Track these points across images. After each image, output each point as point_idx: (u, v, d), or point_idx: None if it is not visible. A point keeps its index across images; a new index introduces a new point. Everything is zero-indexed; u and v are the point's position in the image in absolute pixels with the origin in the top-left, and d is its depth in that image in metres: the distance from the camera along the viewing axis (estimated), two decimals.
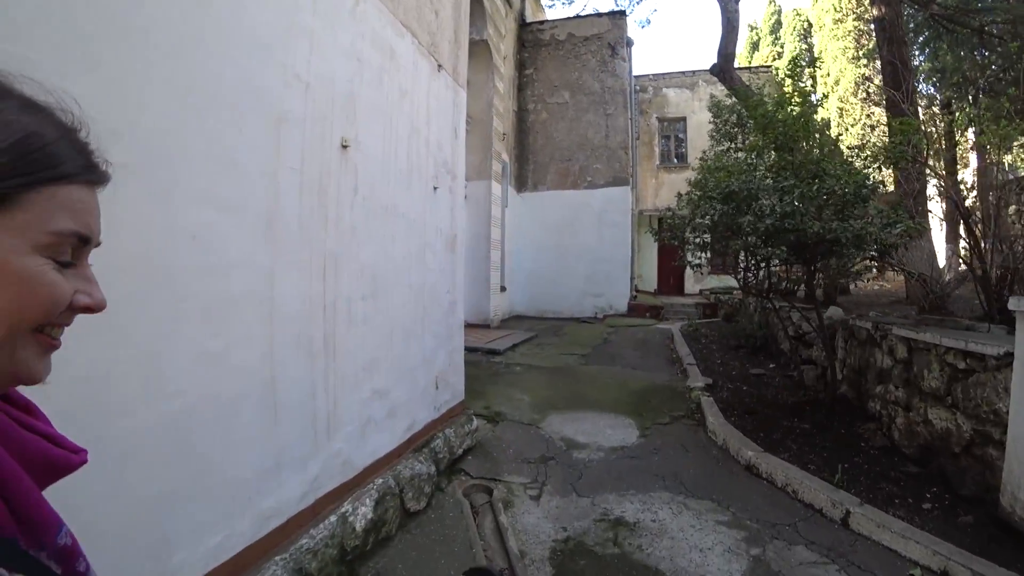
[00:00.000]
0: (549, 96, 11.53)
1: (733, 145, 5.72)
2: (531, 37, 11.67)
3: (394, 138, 2.92)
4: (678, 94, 15.67)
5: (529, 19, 12.04)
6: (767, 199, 3.65)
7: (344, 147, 2.49)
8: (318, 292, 2.36)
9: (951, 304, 4.90)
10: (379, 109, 2.77)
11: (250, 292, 2.00)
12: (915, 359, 3.38)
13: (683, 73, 15.74)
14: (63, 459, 0.47)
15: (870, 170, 4.02)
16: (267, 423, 2.09)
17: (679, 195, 4.61)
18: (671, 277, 15.33)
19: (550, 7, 14.52)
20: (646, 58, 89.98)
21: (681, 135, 15.72)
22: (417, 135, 3.17)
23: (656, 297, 13.68)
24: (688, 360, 6.80)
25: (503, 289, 10.74)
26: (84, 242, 0.43)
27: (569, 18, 12.01)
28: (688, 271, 8.75)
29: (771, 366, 6.42)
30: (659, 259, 15.44)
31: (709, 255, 4.99)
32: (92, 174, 0.44)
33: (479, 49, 9.17)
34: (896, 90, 5.92)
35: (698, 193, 4.43)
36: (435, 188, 3.40)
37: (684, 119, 15.64)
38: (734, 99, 6.41)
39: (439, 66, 3.46)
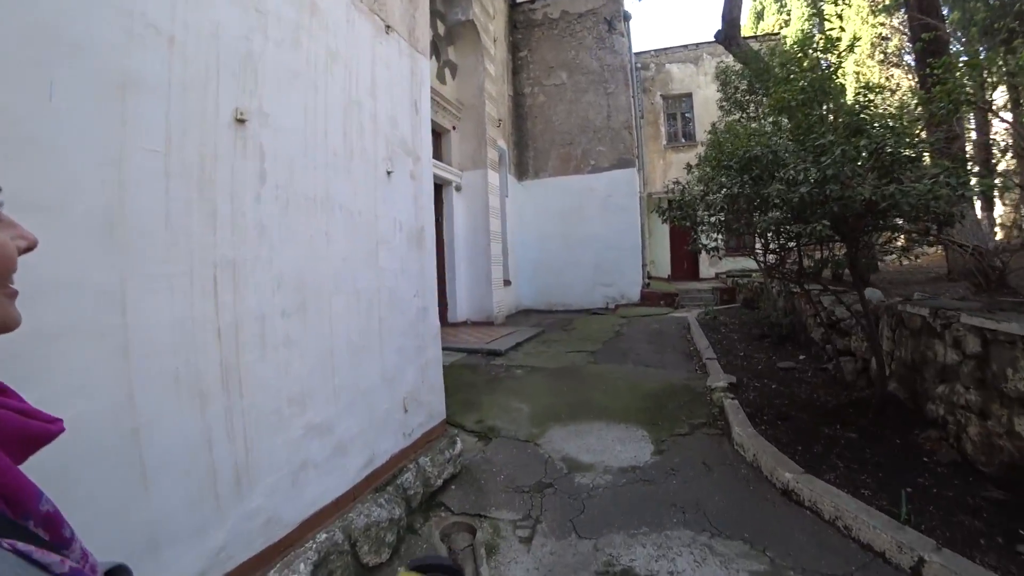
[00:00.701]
0: (546, 78, 10.79)
1: (745, 115, 4.95)
2: (523, 17, 10.92)
3: (323, 112, 2.30)
4: (682, 69, 14.72)
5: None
6: (799, 164, 2.95)
7: (240, 121, 1.88)
8: (206, 312, 1.76)
9: (1012, 280, 4.12)
10: (297, 75, 2.16)
11: (85, 321, 1.42)
12: (993, 354, 2.66)
13: (686, 47, 14.78)
14: (40, 430, 0.49)
15: (917, 126, 3.26)
16: (130, 491, 1.52)
17: (688, 167, 3.90)
18: (685, 261, 14.47)
19: None
20: (646, 34, 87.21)
21: (688, 112, 14.80)
22: (358, 108, 2.56)
23: (670, 283, 12.87)
24: (707, 354, 6.09)
25: (507, 283, 10.11)
26: None
27: None
28: (703, 254, 8.05)
29: (801, 358, 5.67)
30: (671, 243, 14.59)
31: (724, 236, 4.27)
32: None
33: (466, 30, 8.51)
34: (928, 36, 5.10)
35: (710, 166, 3.72)
36: (389, 173, 2.79)
37: (690, 95, 14.70)
38: (743, 67, 5.63)
39: (387, 27, 2.83)
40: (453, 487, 3.19)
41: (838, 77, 3.27)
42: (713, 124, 4.68)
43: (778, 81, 3.47)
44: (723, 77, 5.44)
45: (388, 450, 2.76)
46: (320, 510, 2.25)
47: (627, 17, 10.76)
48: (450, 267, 8.70)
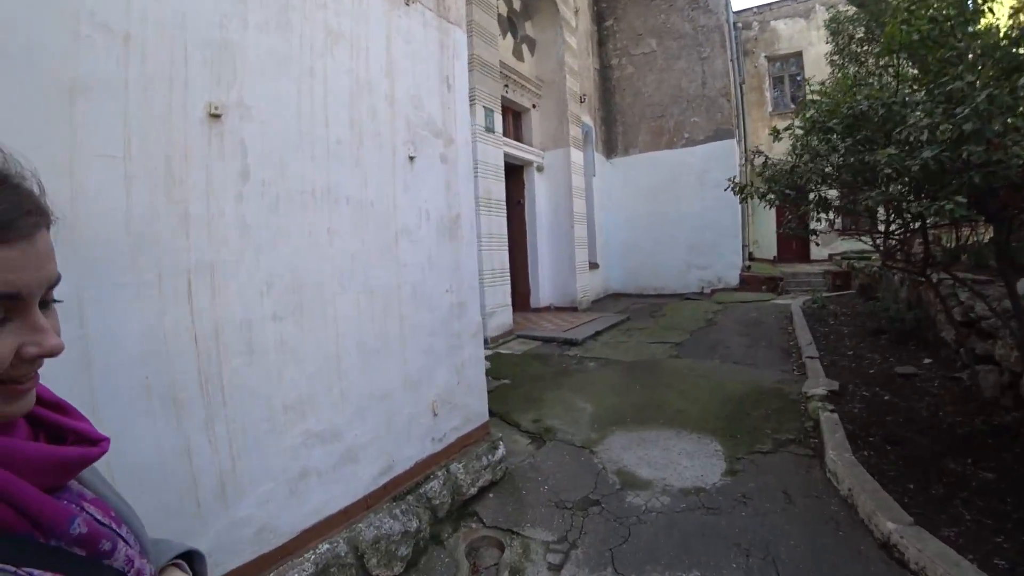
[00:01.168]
0: (634, 47, 9.92)
1: (862, 69, 3.99)
2: None
3: (322, 98, 2.12)
4: (790, 25, 12.68)
5: None
6: (922, 119, 2.22)
7: (214, 116, 1.74)
8: (179, 319, 1.67)
9: None
10: (286, 60, 1.98)
11: None
12: None
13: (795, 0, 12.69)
14: (77, 456, 0.53)
15: None
16: None
17: (774, 132, 3.20)
18: (793, 241, 12.71)
19: None
20: None
21: (798, 75, 12.72)
22: (369, 90, 2.34)
23: (775, 265, 11.37)
24: (808, 351, 5.20)
25: (594, 267, 9.63)
26: (8, 298, 0.44)
27: None
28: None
29: (926, 362, 4.58)
30: (778, 221, 12.91)
31: (832, 215, 3.48)
32: (5, 232, 0.43)
33: (543, 3, 8.04)
34: None
35: (803, 129, 3.01)
36: (411, 158, 2.56)
37: (799, 54, 12.62)
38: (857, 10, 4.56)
39: None
40: (491, 495, 2.96)
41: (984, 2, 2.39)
42: (821, 83, 3.77)
43: (897, 11, 2.64)
44: (834, 26, 4.43)
45: (412, 457, 2.58)
46: (325, 519, 2.13)
47: None
48: (532, 251, 8.45)
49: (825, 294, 8.29)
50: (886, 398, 3.87)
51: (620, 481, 3.07)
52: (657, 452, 3.39)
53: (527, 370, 5.30)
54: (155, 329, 1.61)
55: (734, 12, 11.22)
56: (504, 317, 6.54)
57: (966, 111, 2.03)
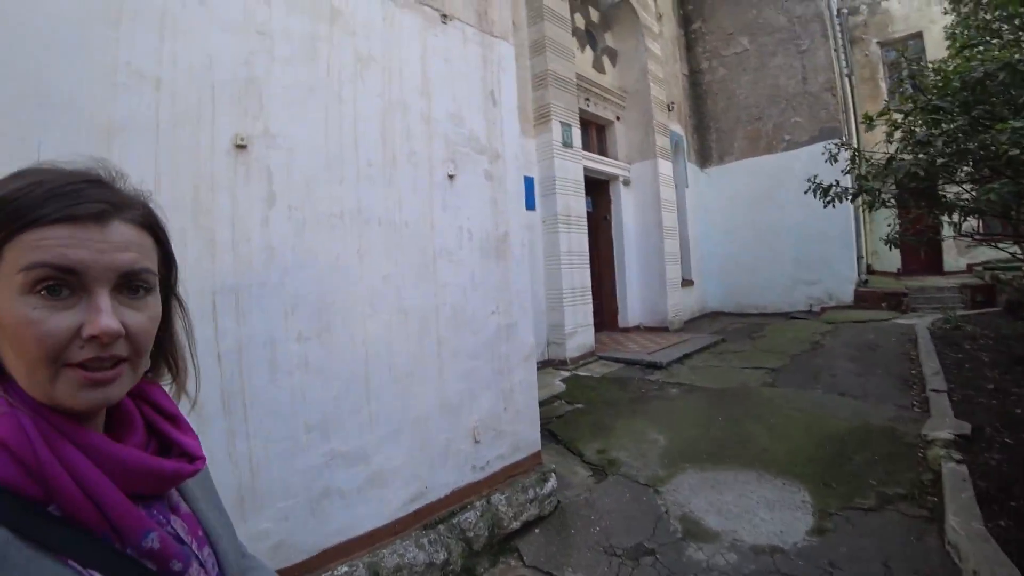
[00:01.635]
0: (724, 48, 9.22)
1: (997, 42, 3.29)
2: None
3: (351, 122, 2.15)
4: (905, 3, 10.82)
5: None
6: None
7: (240, 147, 1.82)
8: (203, 338, 1.72)
9: None
10: (313, 89, 2.03)
11: None
12: None
13: None
14: (171, 470, 0.54)
15: None
16: None
17: (866, 119, 2.71)
18: (922, 250, 10.86)
19: None
20: None
21: (918, 59, 10.88)
22: (403, 111, 2.34)
23: (899, 279, 9.71)
24: (934, 383, 4.32)
25: (688, 283, 9.00)
26: (65, 271, 0.45)
27: None
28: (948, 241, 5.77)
29: None
30: (901, 228, 11.08)
31: (960, 217, 2.87)
32: (66, 211, 0.46)
33: (622, 12, 7.78)
34: None
35: (903, 107, 2.51)
36: (451, 176, 2.51)
37: (919, 35, 10.64)
38: None
39: (443, 16, 2.55)
40: (537, 531, 2.76)
41: None
42: (943, 63, 3.09)
43: None
44: None
45: (448, 484, 2.48)
46: (348, 541, 2.10)
47: None
48: (620, 267, 8.10)
49: (961, 312, 6.93)
50: None
51: (683, 529, 2.70)
52: (731, 498, 2.96)
53: (603, 395, 5.00)
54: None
55: None
56: (585, 338, 6.28)
57: None
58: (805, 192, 3.08)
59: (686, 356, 6.23)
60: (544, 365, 6.05)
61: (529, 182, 5.98)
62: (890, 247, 3.12)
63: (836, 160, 2.88)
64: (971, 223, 2.88)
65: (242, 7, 1.86)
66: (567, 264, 5.99)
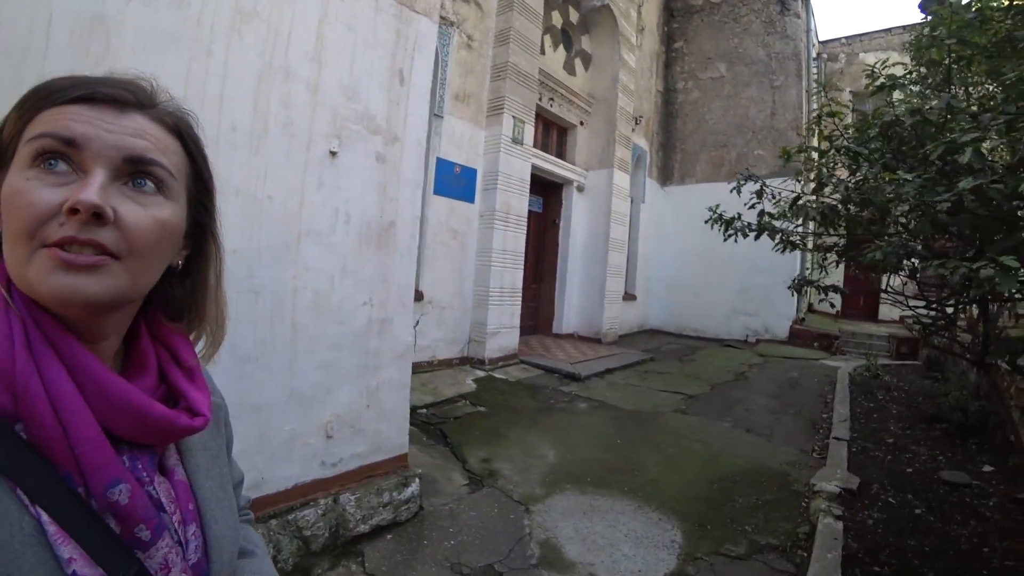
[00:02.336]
0: (701, 71, 9.42)
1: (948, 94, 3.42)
2: (680, 4, 9.70)
3: (219, 81, 2.03)
4: (882, 59, 11.41)
5: None
6: (967, 132, 1.74)
7: None
8: None
9: None
10: (177, 38, 1.91)
11: None
12: None
13: (888, 31, 11.34)
14: (159, 416, 0.47)
15: None
16: None
17: (785, 155, 2.81)
18: (863, 296, 11.37)
19: None
20: (836, 19, 72.44)
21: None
22: (285, 76, 2.23)
23: (836, 321, 10.17)
24: (839, 431, 4.50)
25: (630, 298, 9.16)
26: (64, 142, 0.43)
27: None
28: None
29: (986, 471, 3.76)
30: (846, 271, 11.60)
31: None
32: (84, 91, 0.45)
33: (602, 17, 7.82)
34: None
35: (818, 151, 2.60)
36: (332, 153, 2.42)
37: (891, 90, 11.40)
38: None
39: None
40: (389, 537, 2.71)
41: None
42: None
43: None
44: (913, 50, 3.84)
45: (290, 477, 2.40)
46: None
47: None
48: (561, 274, 8.16)
49: (884, 361, 7.28)
50: (918, 511, 3.13)
51: (540, 555, 2.69)
52: (601, 527, 2.97)
53: (510, 401, 5.01)
54: None
55: (820, 41, 10.38)
56: (508, 339, 6.28)
57: None
58: (705, 221, 3.14)
59: (608, 371, 6.32)
60: (462, 362, 6.03)
61: (470, 174, 5.93)
62: (792, 294, 3.21)
63: (739, 192, 2.94)
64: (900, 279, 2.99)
65: None
66: (499, 262, 5.97)
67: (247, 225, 2.15)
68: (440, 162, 5.66)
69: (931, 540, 2.81)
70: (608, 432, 4.42)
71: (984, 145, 1.73)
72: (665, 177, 9.88)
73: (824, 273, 3.09)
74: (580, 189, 8.16)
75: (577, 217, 8.13)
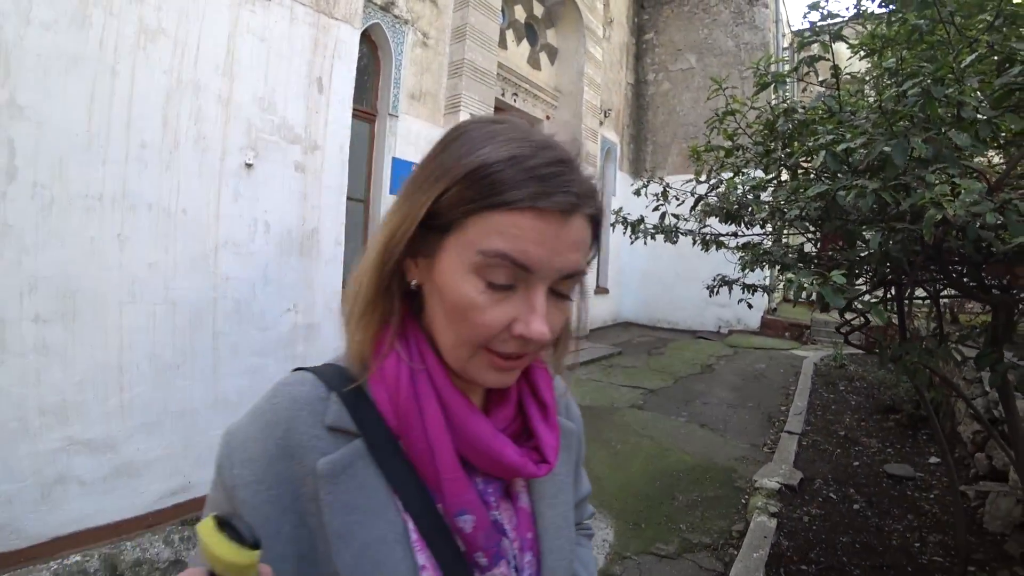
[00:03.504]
0: (672, 63, 9.59)
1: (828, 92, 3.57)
2: None
3: (126, 99, 2.20)
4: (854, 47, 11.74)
5: None
6: (825, 134, 1.86)
7: None
8: None
9: None
10: (78, 60, 2.08)
11: None
12: None
13: (864, 15, 11.62)
14: (510, 460, 0.51)
15: None
16: None
17: (695, 154, 2.97)
18: None
19: None
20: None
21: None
22: (195, 91, 2.41)
23: (812, 310, 10.48)
24: (792, 425, 4.71)
25: (602, 291, 9.36)
26: (520, 267, 0.46)
27: None
28: None
29: (932, 462, 3.95)
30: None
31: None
32: (539, 201, 0.45)
33: (567, 10, 7.97)
34: None
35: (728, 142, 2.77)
36: (248, 165, 2.59)
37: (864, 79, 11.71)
38: None
39: None
40: None
41: None
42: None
43: None
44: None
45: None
46: (86, 531, 2.18)
47: None
48: None
49: (852, 350, 7.49)
50: (856, 506, 3.28)
51: None
52: None
53: None
54: None
55: (792, 31, 10.54)
56: None
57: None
58: (611, 224, 3.29)
59: (574, 366, 6.51)
60: None
61: None
62: (711, 294, 3.34)
63: (641, 194, 3.10)
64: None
65: None
66: None
67: (161, 239, 2.33)
68: (396, 161, 5.81)
69: (864, 536, 2.92)
70: None
71: (852, 146, 1.89)
72: (637, 170, 10.07)
73: (745, 271, 3.24)
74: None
75: None
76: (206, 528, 0.34)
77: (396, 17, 5.74)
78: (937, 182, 1.47)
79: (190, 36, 2.37)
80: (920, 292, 2.81)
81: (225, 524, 0.35)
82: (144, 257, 2.29)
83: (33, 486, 2.05)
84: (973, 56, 1.54)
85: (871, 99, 2.52)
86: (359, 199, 5.61)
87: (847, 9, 2.50)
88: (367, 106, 5.65)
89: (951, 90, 1.42)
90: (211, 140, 2.46)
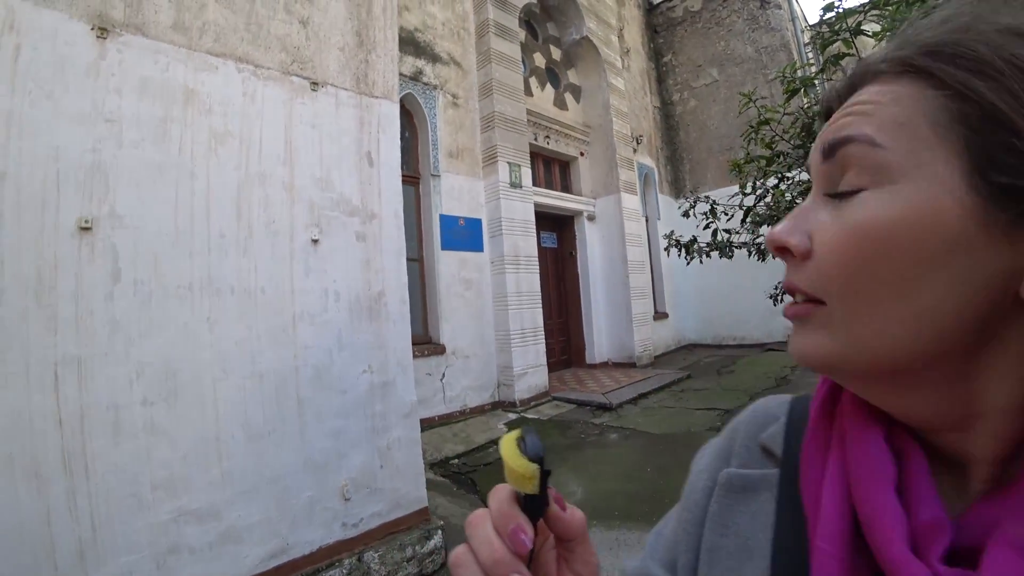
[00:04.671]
0: (694, 80, 9.66)
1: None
2: (661, 19, 10.08)
3: (204, 196, 2.47)
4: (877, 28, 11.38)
5: (659, 0, 10.44)
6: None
7: (84, 229, 2.14)
8: (45, 404, 2.02)
9: None
10: (163, 169, 2.37)
11: None
12: None
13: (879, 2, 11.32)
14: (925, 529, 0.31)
15: None
16: None
17: (735, 167, 2.98)
18: None
19: None
20: None
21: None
22: (262, 181, 2.66)
23: None
24: None
25: (662, 316, 9.21)
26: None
27: None
28: None
29: None
30: None
31: None
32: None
33: (584, 49, 8.26)
34: None
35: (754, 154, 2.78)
36: (315, 241, 2.81)
37: None
38: None
39: (313, 84, 2.91)
40: None
41: None
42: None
43: None
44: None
45: (313, 541, 2.69)
46: None
47: None
48: (586, 304, 8.36)
49: None
50: None
51: None
52: (634, 561, 3.09)
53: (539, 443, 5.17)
54: (21, 412, 1.97)
55: (810, 25, 10.40)
56: (536, 378, 6.48)
57: None
58: (664, 249, 3.31)
59: (641, 396, 6.37)
60: (494, 407, 6.25)
61: (475, 224, 6.32)
62: (774, 303, 3.31)
63: (690, 215, 3.12)
64: None
65: (91, 99, 2.22)
66: (515, 305, 6.25)
67: (244, 317, 2.54)
68: (444, 218, 6.08)
69: None
70: (637, 461, 4.50)
71: None
72: (677, 190, 10.04)
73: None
74: (591, 218, 8.42)
75: (593, 246, 8.37)
76: (507, 438, 0.38)
77: (426, 84, 6.14)
78: None
79: (253, 134, 2.65)
80: None
81: (521, 439, 0.38)
82: (231, 336, 2.50)
83: (149, 557, 2.22)
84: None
85: None
86: (413, 258, 5.88)
87: (863, 5, 2.52)
88: (410, 170, 6.00)
89: None
90: (280, 223, 2.69)
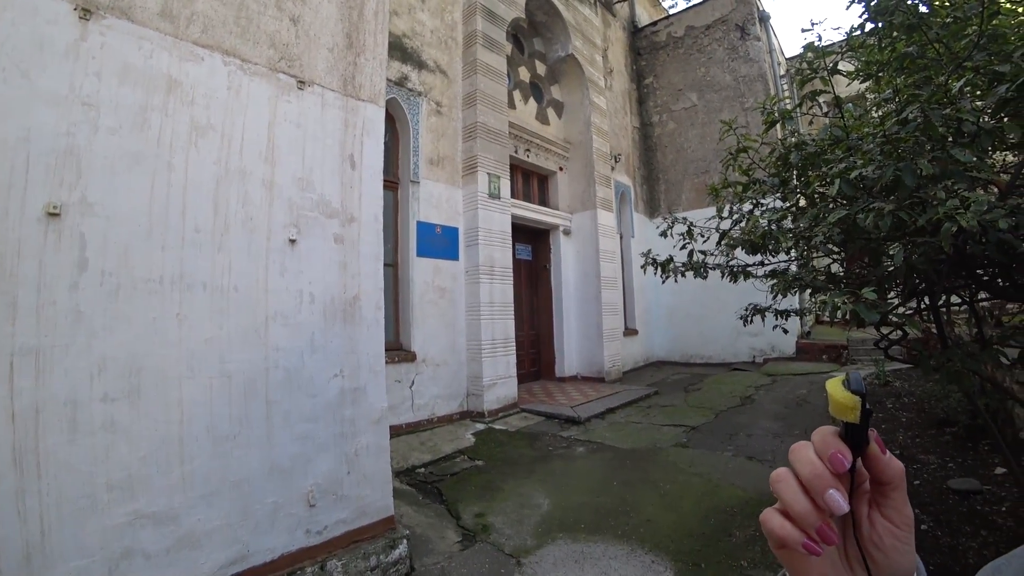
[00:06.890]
0: (674, 103, 9.94)
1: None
2: (645, 42, 10.37)
3: (180, 189, 2.40)
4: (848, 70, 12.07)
5: (644, 24, 10.75)
6: (841, 159, 1.98)
7: (53, 215, 2.06)
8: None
9: None
10: (140, 158, 2.30)
11: None
12: None
13: (855, 45, 11.99)
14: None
15: None
16: None
17: (713, 191, 3.07)
18: None
19: (671, 7, 12.84)
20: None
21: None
22: (242, 178, 2.61)
23: (845, 330, 10.21)
24: None
25: (632, 332, 9.34)
26: None
27: (684, 9, 10.37)
28: None
29: (999, 473, 3.80)
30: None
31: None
32: None
33: (568, 66, 8.39)
34: None
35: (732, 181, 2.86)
36: (292, 240, 2.76)
37: (864, 99, 11.96)
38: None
39: (300, 82, 2.88)
40: None
41: None
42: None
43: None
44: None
45: (275, 548, 2.61)
46: None
47: (764, 18, 9.35)
48: (558, 317, 8.41)
49: (895, 366, 7.22)
50: (924, 527, 3.17)
51: None
52: (592, 575, 3.09)
53: (508, 452, 5.16)
54: None
55: (787, 58, 10.90)
56: (506, 390, 6.47)
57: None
58: (642, 267, 3.38)
59: (609, 411, 6.43)
60: (463, 416, 6.21)
61: (451, 233, 6.31)
62: (744, 323, 3.41)
63: (667, 235, 3.20)
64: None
65: (68, 81, 2.14)
66: (487, 315, 6.25)
67: (215, 315, 2.48)
68: (420, 225, 6.06)
69: (937, 558, 2.82)
70: (603, 475, 4.53)
71: (866, 171, 1.97)
72: (652, 209, 10.26)
73: (777, 298, 3.27)
74: (567, 232, 8.52)
75: (567, 260, 8.46)
76: (834, 380, 0.42)
77: (410, 90, 6.13)
78: (947, 197, 1.57)
79: (235, 129, 2.61)
80: (956, 299, 2.81)
81: (846, 379, 0.41)
82: (201, 333, 2.43)
83: (101, 561, 2.11)
84: (962, 82, 1.65)
85: (876, 116, 2.61)
86: (388, 264, 5.83)
87: (840, 46, 2.65)
88: (390, 175, 5.97)
89: (947, 111, 1.52)
90: (257, 221, 2.64)
